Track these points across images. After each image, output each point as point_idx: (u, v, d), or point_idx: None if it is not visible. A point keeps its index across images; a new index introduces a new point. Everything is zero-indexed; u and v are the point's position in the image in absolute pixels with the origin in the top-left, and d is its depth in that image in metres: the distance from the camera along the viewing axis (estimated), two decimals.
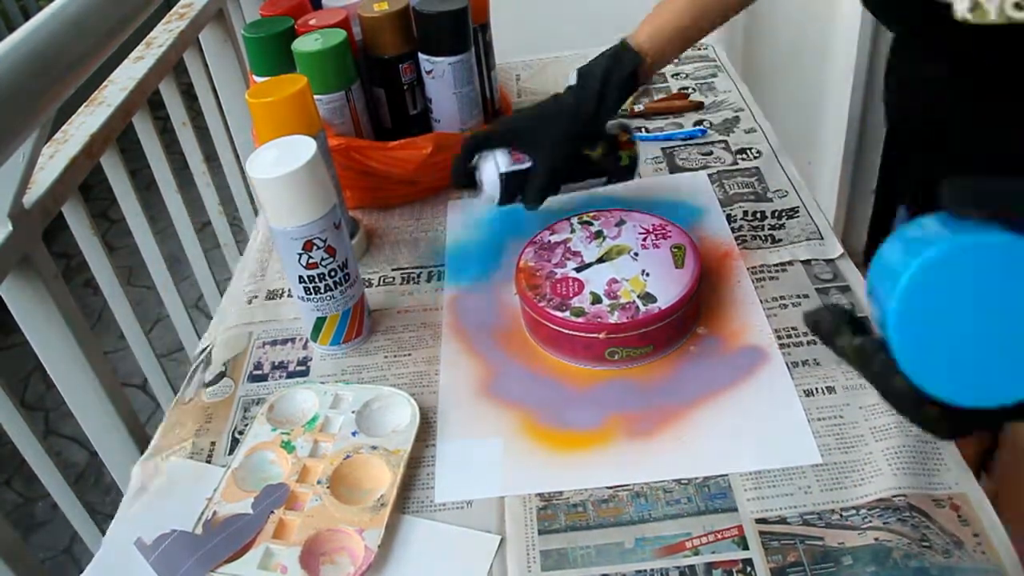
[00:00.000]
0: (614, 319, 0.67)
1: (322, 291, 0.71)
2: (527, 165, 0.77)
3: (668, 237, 0.75)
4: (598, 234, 0.76)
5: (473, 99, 0.94)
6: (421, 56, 0.90)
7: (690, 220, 0.85)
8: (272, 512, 0.60)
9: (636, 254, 0.73)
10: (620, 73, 0.75)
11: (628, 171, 0.82)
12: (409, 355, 0.74)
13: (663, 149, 0.98)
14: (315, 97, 0.80)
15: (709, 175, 0.92)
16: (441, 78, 0.91)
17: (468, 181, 0.79)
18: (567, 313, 0.68)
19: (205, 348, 0.80)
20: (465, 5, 0.88)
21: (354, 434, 0.66)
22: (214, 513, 0.60)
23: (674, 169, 0.94)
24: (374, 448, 0.64)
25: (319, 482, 0.62)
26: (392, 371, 0.73)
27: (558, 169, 0.77)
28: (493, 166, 0.77)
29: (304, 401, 0.70)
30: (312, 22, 0.89)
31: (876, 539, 0.54)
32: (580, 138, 0.78)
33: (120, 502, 0.65)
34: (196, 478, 0.65)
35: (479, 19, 0.94)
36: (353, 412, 0.67)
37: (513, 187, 0.77)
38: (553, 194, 0.79)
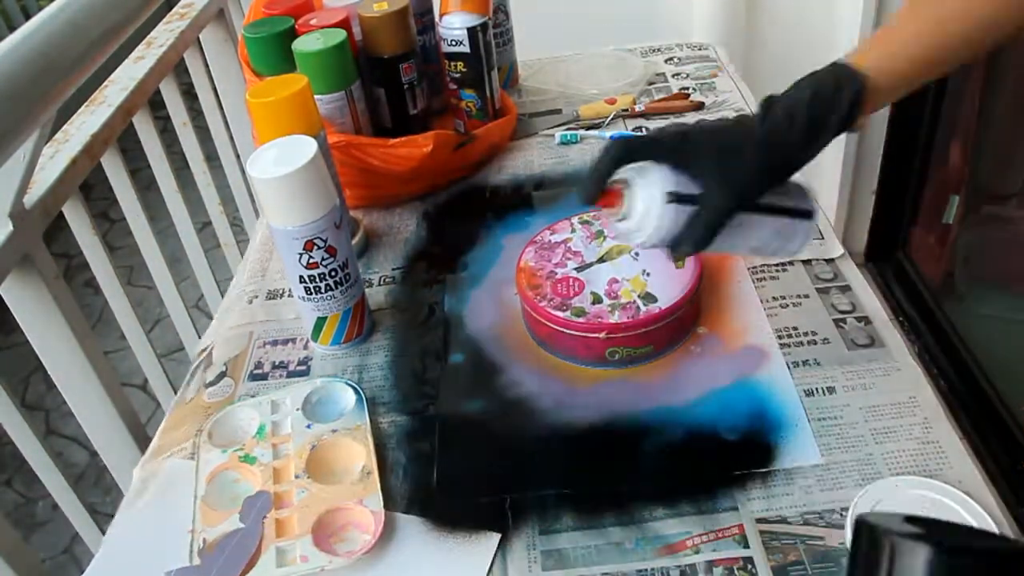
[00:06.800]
0: (614, 319, 0.67)
1: (323, 291, 0.71)
2: (695, 192, 0.55)
3: None
4: (599, 234, 0.76)
5: None
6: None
7: None
8: (265, 517, 0.60)
9: (637, 254, 0.73)
10: (839, 106, 0.55)
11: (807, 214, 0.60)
12: (410, 356, 0.74)
13: None
14: (315, 97, 0.80)
15: None
16: None
17: (602, 195, 0.57)
18: (567, 313, 0.68)
19: (205, 348, 0.80)
20: None
21: (309, 427, 0.67)
22: (204, 540, 0.60)
23: None
24: (335, 431, 0.66)
25: (297, 476, 0.63)
26: (393, 371, 0.73)
27: (738, 206, 0.56)
28: (657, 185, 0.55)
29: (242, 418, 0.70)
30: (312, 22, 0.89)
31: None
32: (774, 174, 0.57)
33: (120, 502, 0.65)
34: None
35: (483, 12, 0.94)
36: (298, 409, 0.68)
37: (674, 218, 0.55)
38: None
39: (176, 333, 1.13)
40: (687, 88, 1.10)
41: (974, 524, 0.53)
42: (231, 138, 1.27)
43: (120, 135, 0.93)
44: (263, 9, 0.94)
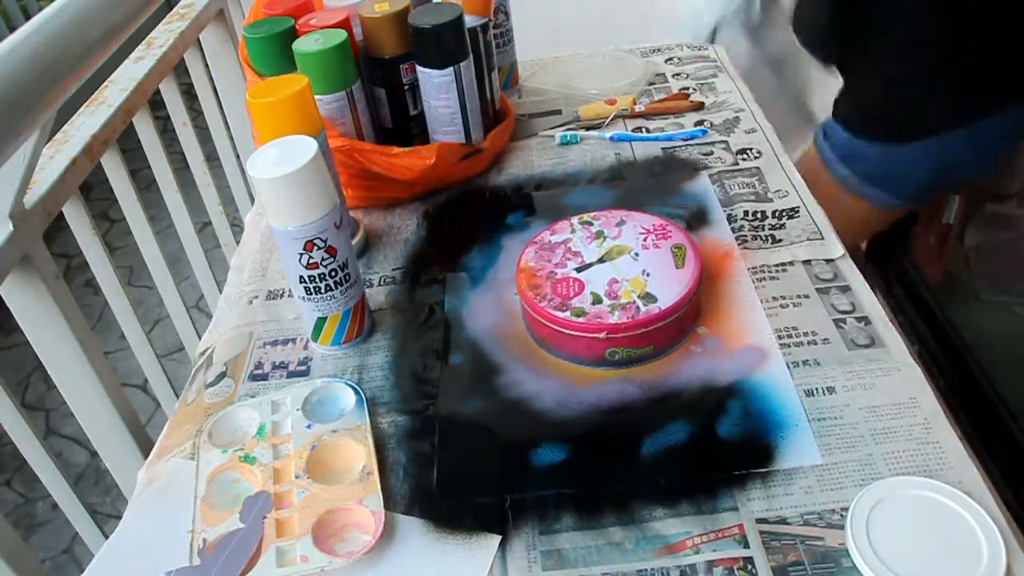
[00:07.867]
0: (614, 319, 0.67)
1: (323, 291, 0.71)
2: None
3: (668, 237, 0.75)
4: (598, 234, 0.76)
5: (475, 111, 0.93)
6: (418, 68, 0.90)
7: (691, 220, 0.85)
8: (265, 518, 0.60)
9: (636, 254, 0.73)
10: None
11: None
12: (410, 356, 0.74)
13: (663, 149, 0.98)
14: (316, 97, 0.80)
15: (709, 175, 0.92)
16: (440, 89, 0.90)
17: None
18: (567, 313, 0.68)
19: (205, 351, 0.80)
20: (459, 14, 0.87)
21: (309, 427, 0.67)
22: (204, 540, 0.60)
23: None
24: (335, 432, 0.66)
25: (297, 477, 0.63)
26: (393, 371, 0.73)
27: None
28: None
29: (242, 418, 0.70)
30: (313, 22, 0.89)
31: None
32: None
33: (120, 502, 0.65)
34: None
35: (483, 13, 0.94)
36: (298, 410, 0.68)
37: None
38: None
39: (176, 333, 1.13)
40: (687, 88, 1.10)
41: (974, 524, 0.53)
42: (231, 138, 1.27)
43: (120, 135, 0.93)
44: (263, 9, 0.93)
